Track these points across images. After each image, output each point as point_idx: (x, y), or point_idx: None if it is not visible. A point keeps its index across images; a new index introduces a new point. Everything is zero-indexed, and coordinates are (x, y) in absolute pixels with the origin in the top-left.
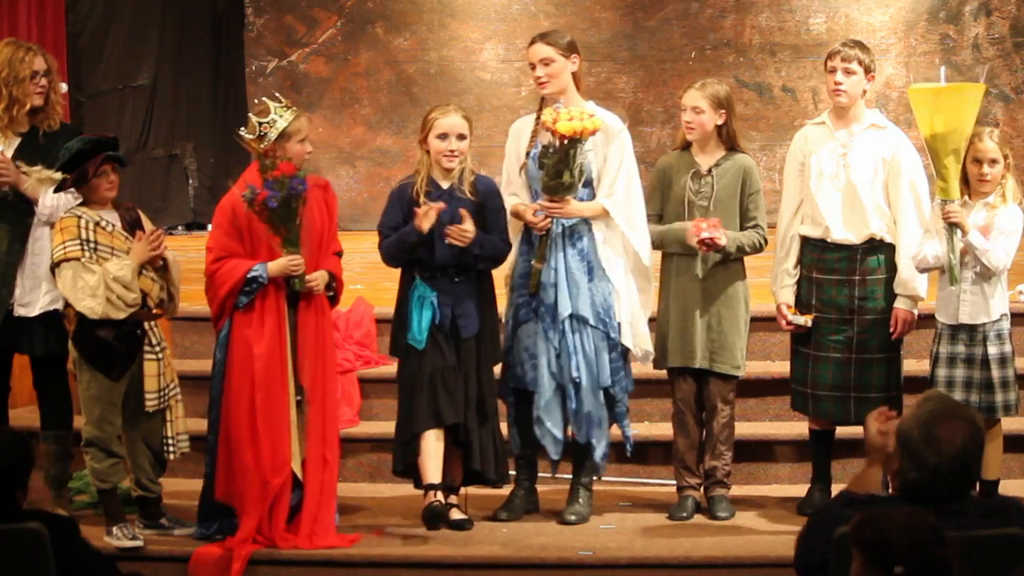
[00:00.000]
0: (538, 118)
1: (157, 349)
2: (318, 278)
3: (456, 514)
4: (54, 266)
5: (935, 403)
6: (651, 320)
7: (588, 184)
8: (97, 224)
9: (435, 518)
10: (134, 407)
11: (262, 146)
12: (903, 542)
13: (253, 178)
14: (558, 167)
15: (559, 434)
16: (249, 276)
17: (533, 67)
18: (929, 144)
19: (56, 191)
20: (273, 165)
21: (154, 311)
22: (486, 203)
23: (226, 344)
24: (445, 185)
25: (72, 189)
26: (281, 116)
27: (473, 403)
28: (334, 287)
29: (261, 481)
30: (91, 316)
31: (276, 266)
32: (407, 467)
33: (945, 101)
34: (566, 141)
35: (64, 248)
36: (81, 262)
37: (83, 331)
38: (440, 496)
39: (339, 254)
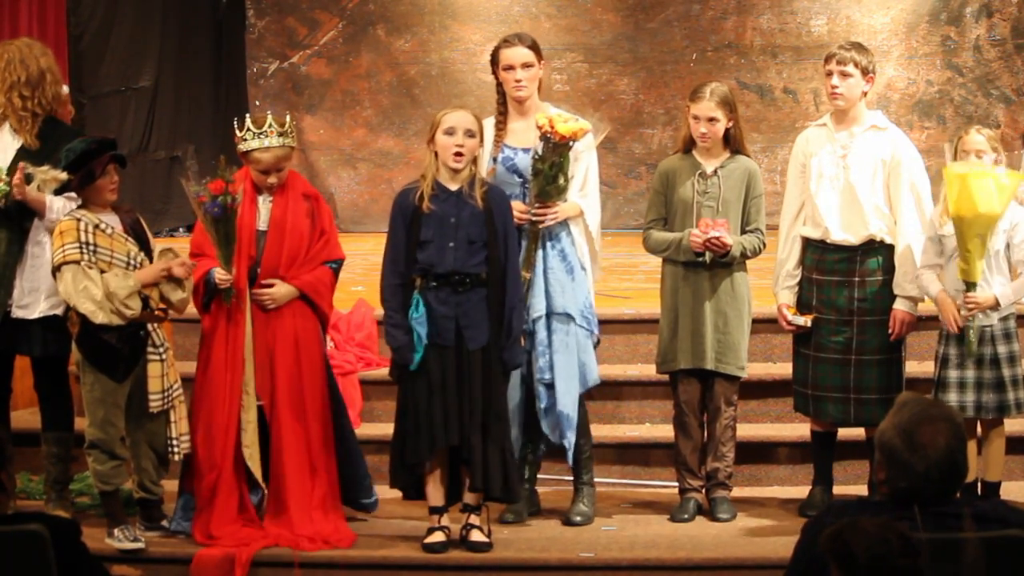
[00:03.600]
0: (498, 123)
1: (160, 350)
2: (273, 293)
3: (476, 535)
4: (55, 269)
5: (912, 408)
6: (644, 322)
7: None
8: (96, 227)
9: (432, 551)
10: (138, 409)
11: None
12: (866, 553)
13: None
14: (554, 171)
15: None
16: (206, 278)
17: (509, 68)
18: (955, 224)
19: (59, 192)
20: (221, 174)
21: (156, 312)
22: (495, 217)
23: (200, 342)
24: (453, 188)
25: (72, 193)
26: (251, 139)
27: (477, 418)
28: (311, 299)
29: (199, 475)
30: (92, 319)
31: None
32: (408, 486)
33: (975, 185)
34: (561, 149)
35: (64, 251)
36: (81, 265)
37: (87, 333)
38: (445, 521)
39: (337, 263)
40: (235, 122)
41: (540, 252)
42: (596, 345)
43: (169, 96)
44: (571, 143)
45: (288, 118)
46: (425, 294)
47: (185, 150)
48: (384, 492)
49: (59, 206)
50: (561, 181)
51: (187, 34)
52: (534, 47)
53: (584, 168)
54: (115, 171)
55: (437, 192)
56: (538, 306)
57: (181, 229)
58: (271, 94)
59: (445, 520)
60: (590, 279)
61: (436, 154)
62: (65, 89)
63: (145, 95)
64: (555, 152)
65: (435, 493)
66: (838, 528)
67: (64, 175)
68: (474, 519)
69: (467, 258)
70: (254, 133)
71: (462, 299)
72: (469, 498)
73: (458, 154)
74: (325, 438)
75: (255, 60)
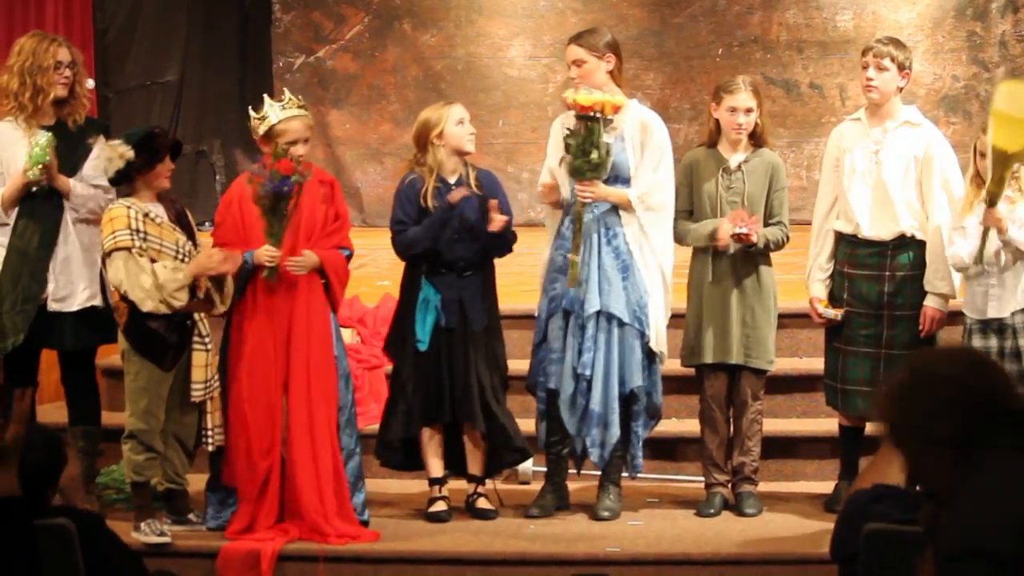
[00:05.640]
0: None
1: (206, 340)
2: (301, 260)
3: (483, 503)
4: (105, 256)
5: None
6: (671, 316)
7: (626, 181)
8: (146, 215)
9: (436, 520)
10: (173, 399)
11: (256, 136)
12: None
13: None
14: (583, 146)
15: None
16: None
17: (568, 66)
18: (995, 155)
19: (122, 172)
20: (281, 155)
21: (203, 302)
22: (491, 196)
23: (227, 331)
24: (452, 181)
25: (111, 189)
26: (273, 113)
27: (479, 396)
28: (327, 273)
29: (251, 464)
30: (142, 308)
31: (257, 253)
32: (396, 463)
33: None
34: (588, 123)
35: (115, 237)
36: (132, 252)
37: (134, 323)
38: (444, 491)
39: (348, 253)
40: (250, 110)
41: (596, 247)
42: (649, 352)
43: (195, 91)
44: (599, 118)
45: (299, 98)
46: (432, 280)
47: (211, 144)
48: (410, 487)
49: (81, 189)
50: (594, 156)
51: (213, 28)
52: (588, 44)
53: (647, 164)
54: (169, 159)
55: (439, 185)
56: (592, 302)
57: (207, 224)
58: (297, 88)
59: (445, 490)
60: (650, 279)
61: (441, 147)
62: (91, 83)
63: (171, 90)
64: (584, 125)
65: (435, 464)
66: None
67: (131, 153)
68: (481, 488)
69: (469, 246)
70: (278, 107)
71: (466, 283)
72: (474, 469)
73: (471, 140)
74: (325, 424)
75: (281, 54)
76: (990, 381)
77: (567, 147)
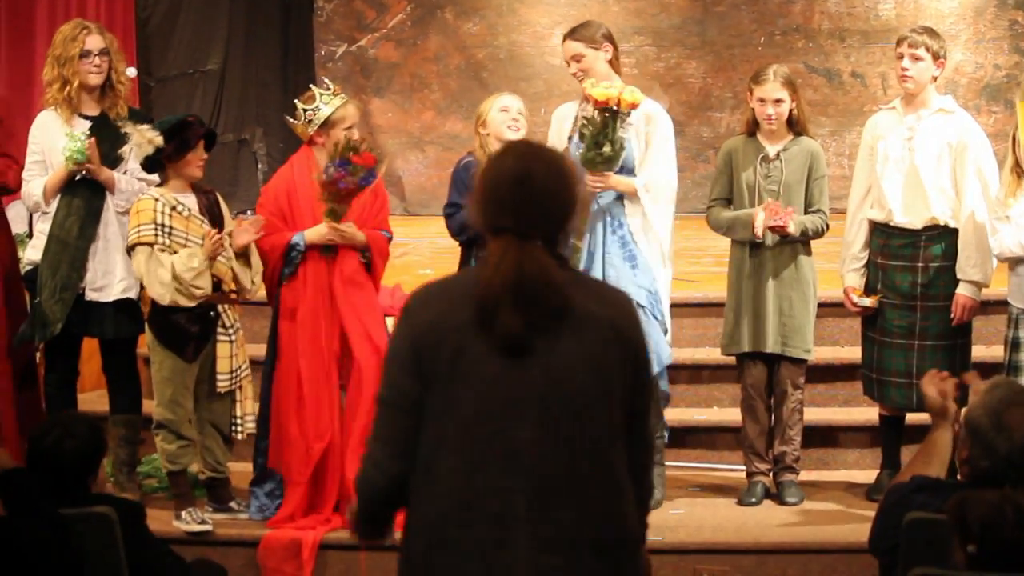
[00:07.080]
0: (581, 106)
1: (230, 331)
2: (347, 230)
3: None
4: (129, 248)
5: (1003, 390)
6: (712, 305)
7: (631, 171)
8: (173, 208)
9: None
10: (204, 389)
11: (308, 132)
12: (979, 521)
13: (300, 162)
14: (597, 138)
15: None
16: (289, 245)
17: (569, 63)
18: None
19: (152, 159)
20: (356, 149)
21: (228, 294)
22: None
23: (276, 316)
24: None
25: (151, 176)
26: (326, 103)
27: None
28: (368, 255)
29: (305, 448)
30: (160, 302)
31: (314, 233)
32: None
33: None
34: (606, 113)
35: (139, 231)
36: (153, 248)
37: (157, 313)
38: None
39: (388, 236)
40: (298, 106)
41: (601, 236)
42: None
43: (237, 79)
44: (619, 112)
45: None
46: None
47: (253, 133)
48: None
49: (125, 183)
50: (607, 149)
51: (255, 17)
52: (584, 38)
53: (652, 151)
54: (204, 149)
55: None
56: None
57: (248, 212)
58: (339, 77)
59: None
60: (656, 269)
61: (486, 138)
62: (132, 71)
63: (213, 78)
64: (601, 119)
65: None
66: (959, 497)
67: (160, 139)
68: None
69: None
70: (328, 96)
71: None
72: None
73: (514, 127)
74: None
75: (323, 43)
76: (512, 193)
77: (581, 137)
